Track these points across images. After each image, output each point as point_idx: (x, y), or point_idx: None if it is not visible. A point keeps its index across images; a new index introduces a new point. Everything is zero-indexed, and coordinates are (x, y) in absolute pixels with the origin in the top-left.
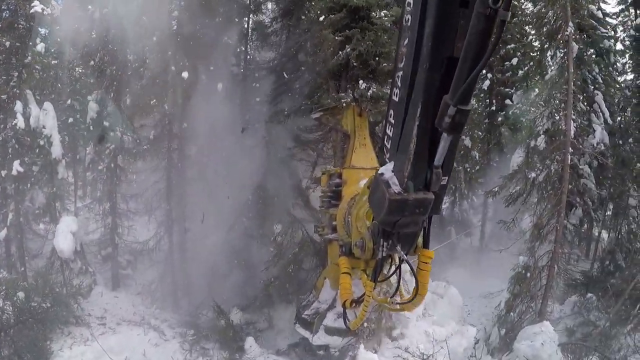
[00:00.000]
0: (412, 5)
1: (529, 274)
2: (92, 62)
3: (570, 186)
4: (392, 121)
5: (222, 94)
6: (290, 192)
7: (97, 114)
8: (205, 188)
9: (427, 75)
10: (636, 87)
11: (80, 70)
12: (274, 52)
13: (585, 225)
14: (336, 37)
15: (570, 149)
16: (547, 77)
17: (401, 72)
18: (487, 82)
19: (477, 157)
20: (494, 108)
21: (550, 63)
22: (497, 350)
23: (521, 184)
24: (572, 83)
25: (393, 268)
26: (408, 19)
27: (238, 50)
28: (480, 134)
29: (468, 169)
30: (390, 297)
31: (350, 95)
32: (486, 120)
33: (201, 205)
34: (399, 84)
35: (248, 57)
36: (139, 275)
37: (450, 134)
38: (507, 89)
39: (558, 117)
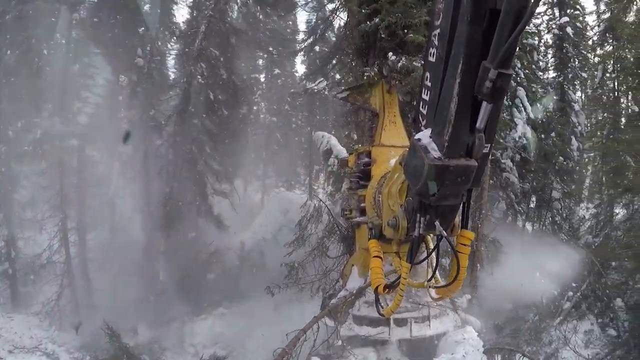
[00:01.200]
0: None
1: None
2: None
3: (492, 181)
4: (429, 84)
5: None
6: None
7: None
8: (105, 194)
9: (468, 27)
10: (558, 84)
11: None
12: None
13: (510, 218)
14: (363, 10)
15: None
16: None
17: (439, 30)
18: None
19: None
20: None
21: None
22: None
23: None
24: None
25: (426, 253)
26: None
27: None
28: None
29: None
30: (427, 281)
31: (376, 68)
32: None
33: (102, 213)
34: (437, 42)
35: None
36: (40, 292)
37: (491, 101)
38: None
39: None
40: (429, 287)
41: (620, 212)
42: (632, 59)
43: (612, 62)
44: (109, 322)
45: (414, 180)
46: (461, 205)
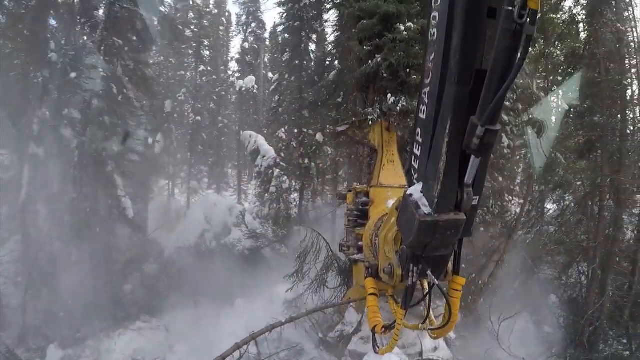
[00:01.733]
0: (438, 19)
1: None
2: None
3: None
4: (420, 140)
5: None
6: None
7: None
8: (15, 202)
9: (455, 89)
10: None
11: None
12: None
13: None
14: (365, 47)
15: None
16: None
17: (428, 88)
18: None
19: (330, 152)
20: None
21: None
22: None
23: None
24: None
25: (422, 294)
26: (434, 33)
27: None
28: (332, 128)
29: (320, 165)
30: (422, 324)
31: (378, 109)
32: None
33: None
34: (427, 100)
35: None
36: None
37: (479, 156)
38: None
39: None
40: (424, 329)
41: (551, 208)
42: (562, 58)
43: (542, 60)
44: (12, 345)
45: (406, 234)
46: (454, 253)
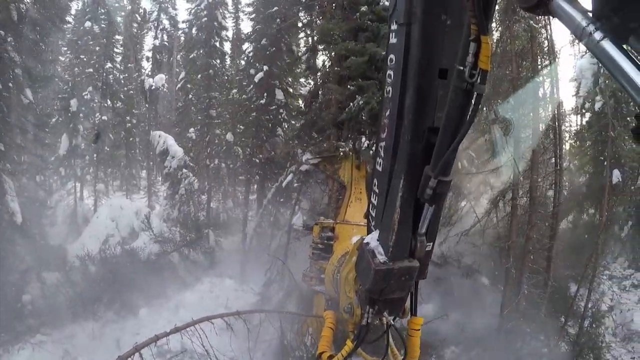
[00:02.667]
0: (392, 77)
1: None
2: None
3: None
4: (377, 190)
5: None
6: None
7: None
8: None
9: (409, 146)
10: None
11: None
12: None
13: None
14: (348, 87)
15: None
16: None
17: (384, 143)
18: (260, 75)
19: (240, 152)
20: (263, 101)
21: None
22: None
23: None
24: None
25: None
26: (389, 91)
27: None
28: (242, 127)
29: (230, 165)
30: (380, 359)
31: (351, 144)
32: (253, 114)
33: None
34: (382, 154)
35: None
36: None
37: (432, 204)
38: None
39: None
40: None
41: (465, 205)
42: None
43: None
44: None
45: (363, 280)
46: (411, 294)
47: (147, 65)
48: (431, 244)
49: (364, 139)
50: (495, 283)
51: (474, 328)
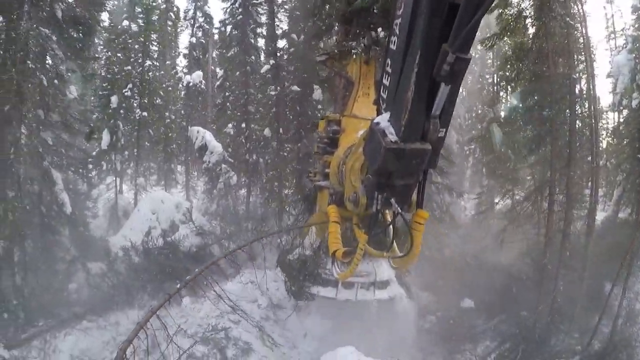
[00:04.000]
0: None
1: None
2: None
3: None
4: (390, 70)
5: None
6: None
7: None
8: None
9: (427, 21)
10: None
11: None
12: None
13: None
14: None
15: None
16: None
17: (400, 20)
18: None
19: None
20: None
21: None
22: None
23: None
24: None
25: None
26: None
27: None
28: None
29: (268, 160)
30: (386, 252)
31: (363, 42)
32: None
33: None
34: (397, 32)
35: None
36: None
37: (449, 83)
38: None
39: None
40: (387, 257)
41: (500, 202)
42: (510, 51)
43: (491, 54)
44: None
45: (372, 161)
46: (418, 185)
47: (181, 62)
48: (444, 130)
49: (379, 29)
50: (531, 279)
51: (508, 323)
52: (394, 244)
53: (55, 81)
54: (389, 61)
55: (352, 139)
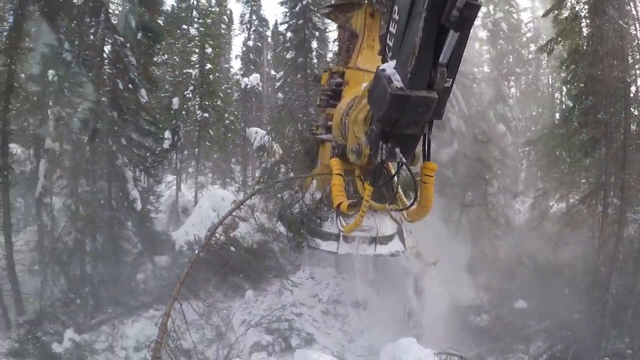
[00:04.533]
0: None
1: None
2: None
3: None
4: (397, 17)
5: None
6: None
7: None
8: (32, 193)
9: None
10: (492, 80)
11: None
12: None
13: None
14: None
15: None
16: None
17: None
18: None
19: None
20: None
21: None
22: None
23: None
24: None
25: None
26: None
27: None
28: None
29: None
30: (389, 204)
31: None
32: None
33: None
34: None
35: None
36: None
37: (458, 30)
38: None
39: None
40: (390, 210)
41: (555, 205)
42: (565, 54)
43: (546, 57)
44: (35, 328)
45: (376, 108)
46: (423, 138)
47: (235, 65)
48: (451, 80)
49: None
50: (584, 282)
51: (560, 325)
52: (402, 195)
53: (130, 85)
54: (396, 8)
55: (355, 91)
